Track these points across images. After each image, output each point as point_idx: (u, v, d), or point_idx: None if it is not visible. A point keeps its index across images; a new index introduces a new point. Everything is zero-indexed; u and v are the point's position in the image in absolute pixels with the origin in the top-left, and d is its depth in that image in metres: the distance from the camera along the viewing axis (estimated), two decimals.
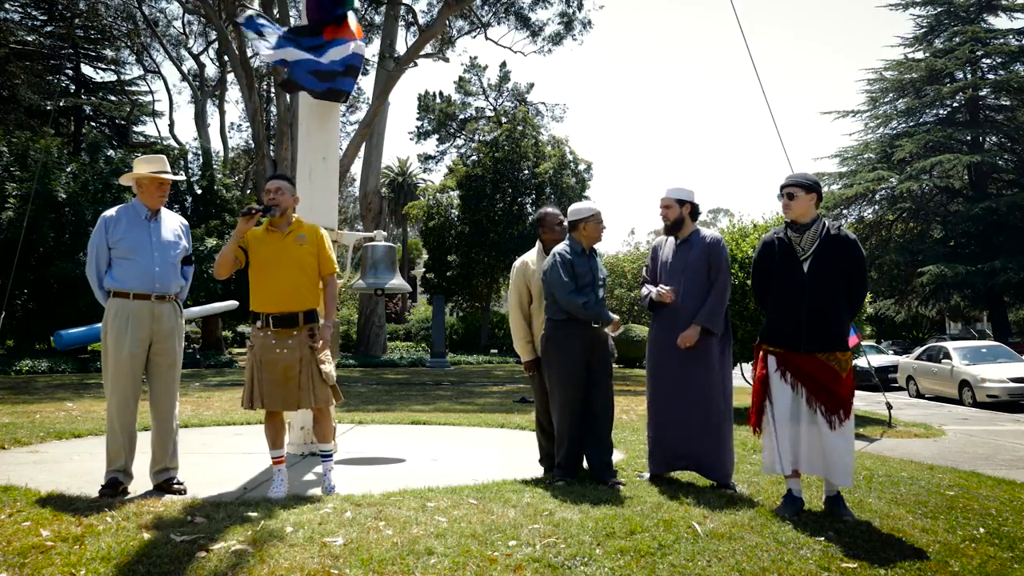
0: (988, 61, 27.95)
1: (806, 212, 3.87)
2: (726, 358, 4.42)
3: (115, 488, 3.95)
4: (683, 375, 4.34)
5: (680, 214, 4.48)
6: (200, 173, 24.84)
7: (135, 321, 4.03)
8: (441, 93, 38.46)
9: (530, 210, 29.50)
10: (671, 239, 4.58)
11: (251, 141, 30.91)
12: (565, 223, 4.73)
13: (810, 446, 3.78)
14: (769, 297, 4.00)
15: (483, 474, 4.58)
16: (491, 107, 38.22)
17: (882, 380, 16.45)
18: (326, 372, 4.13)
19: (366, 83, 30.39)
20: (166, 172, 4.23)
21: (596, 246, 4.62)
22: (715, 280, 4.36)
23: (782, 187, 3.93)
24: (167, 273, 4.14)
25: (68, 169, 20.29)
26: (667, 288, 4.41)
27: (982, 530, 3.60)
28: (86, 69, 32.72)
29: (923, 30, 29.47)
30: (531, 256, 4.87)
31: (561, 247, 4.59)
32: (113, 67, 33.53)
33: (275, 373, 4.03)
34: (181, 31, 34.47)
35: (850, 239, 3.84)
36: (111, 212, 4.21)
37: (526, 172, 29.34)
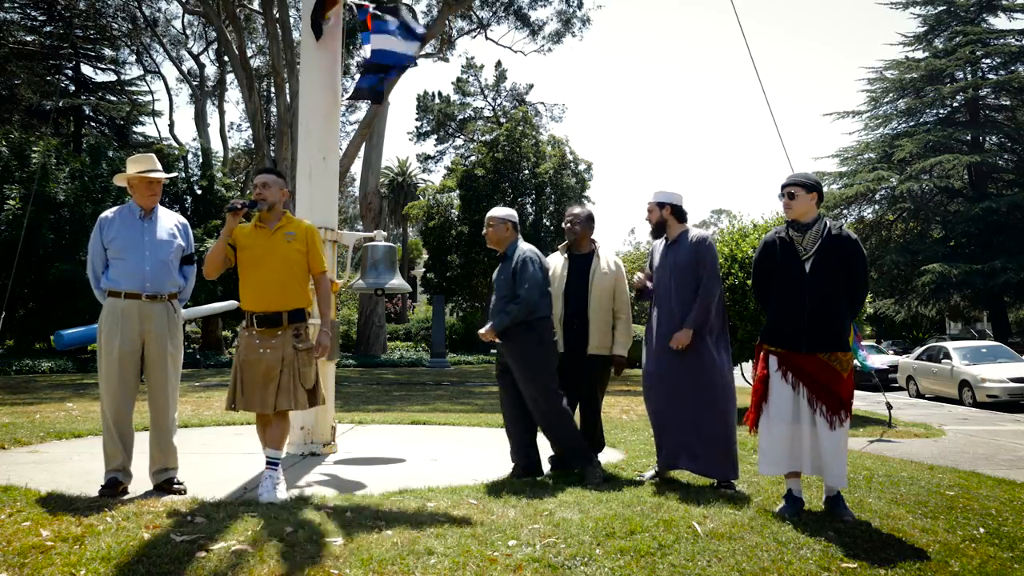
0: (988, 61, 27.97)
1: (807, 212, 3.87)
2: (723, 354, 4.42)
3: (115, 488, 3.94)
4: (676, 373, 4.37)
5: (661, 216, 4.56)
6: (200, 173, 24.83)
7: (125, 320, 4.01)
8: (440, 93, 38.54)
9: (530, 210, 29.53)
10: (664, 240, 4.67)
11: (251, 141, 30.92)
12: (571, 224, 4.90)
13: (810, 446, 3.78)
14: (770, 297, 4.00)
15: (483, 474, 4.58)
16: (490, 107, 38.25)
17: (882, 380, 16.46)
18: (304, 375, 3.97)
19: None
20: (155, 171, 4.18)
21: (501, 248, 4.72)
22: (701, 280, 4.37)
23: (783, 187, 3.93)
24: (159, 273, 4.09)
25: (66, 170, 20.30)
26: (640, 275, 4.71)
27: (982, 530, 3.60)
28: (86, 69, 32.77)
29: (923, 29, 29.49)
30: (554, 254, 5.05)
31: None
32: (113, 67, 33.56)
33: (256, 374, 3.92)
34: (181, 31, 34.51)
35: (852, 239, 3.83)
36: (108, 213, 4.20)
37: (526, 172, 29.35)
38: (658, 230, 4.61)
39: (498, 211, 4.75)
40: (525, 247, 4.61)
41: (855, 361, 10.30)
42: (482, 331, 4.56)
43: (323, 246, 4.29)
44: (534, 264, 4.49)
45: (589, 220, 4.90)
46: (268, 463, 3.99)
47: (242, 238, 4.04)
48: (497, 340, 4.54)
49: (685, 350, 4.31)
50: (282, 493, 3.92)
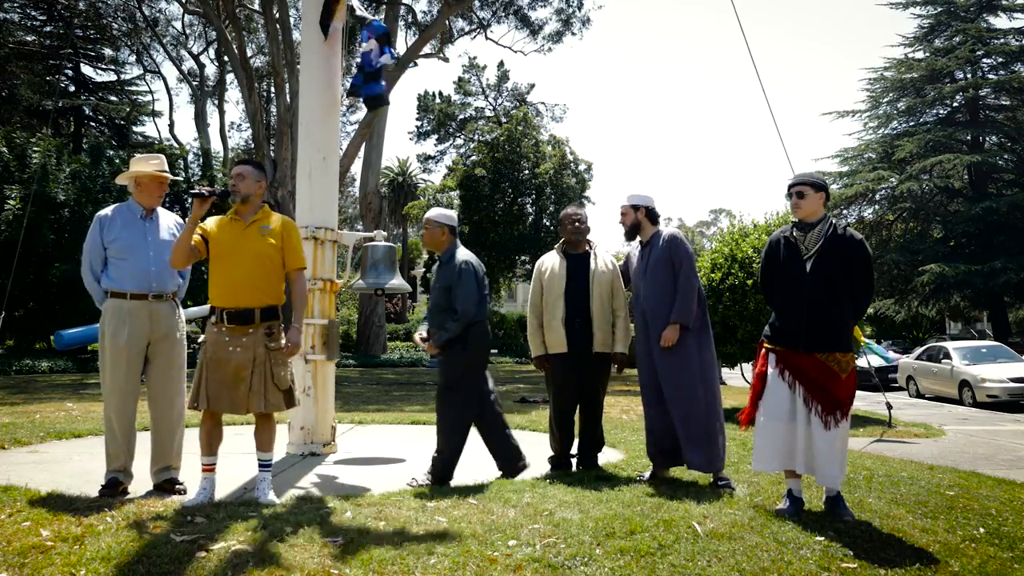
0: (988, 61, 27.93)
1: (815, 211, 3.87)
2: (703, 349, 4.47)
3: (115, 488, 3.94)
4: (659, 371, 4.45)
5: (635, 219, 4.67)
6: (200, 173, 24.80)
7: (132, 321, 4.00)
8: (441, 93, 38.51)
9: (530, 210, 29.50)
10: (637, 244, 4.75)
11: (251, 141, 30.90)
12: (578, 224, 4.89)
13: (804, 446, 3.77)
14: (774, 296, 4.00)
15: (483, 474, 4.58)
16: (490, 107, 38.24)
17: (882, 380, 16.45)
18: (278, 376, 3.82)
19: None
20: (166, 170, 4.22)
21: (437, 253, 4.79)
22: (678, 275, 4.43)
23: (791, 186, 3.92)
24: (163, 272, 4.09)
25: (67, 170, 20.30)
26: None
27: (982, 530, 3.59)
28: (86, 69, 32.79)
29: (924, 30, 29.46)
30: (550, 254, 5.02)
31: None
32: (113, 67, 33.57)
33: (224, 373, 3.75)
34: (181, 31, 34.51)
35: (855, 239, 3.81)
36: (106, 211, 4.19)
37: (526, 172, 29.31)
38: (632, 232, 4.71)
39: (435, 213, 4.71)
40: (462, 256, 4.55)
41: (876, 357, 10.31)
42: (425, 346, 4.68)
43: (302, 242, 4.08)
44: (470, 276, 4.48)
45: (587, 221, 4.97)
46: (261, 465, 3.95)
47: (215, 230, 3.88)
48: (438, 354, 4.63)
49: (670, 347, 4.37)
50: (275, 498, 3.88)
